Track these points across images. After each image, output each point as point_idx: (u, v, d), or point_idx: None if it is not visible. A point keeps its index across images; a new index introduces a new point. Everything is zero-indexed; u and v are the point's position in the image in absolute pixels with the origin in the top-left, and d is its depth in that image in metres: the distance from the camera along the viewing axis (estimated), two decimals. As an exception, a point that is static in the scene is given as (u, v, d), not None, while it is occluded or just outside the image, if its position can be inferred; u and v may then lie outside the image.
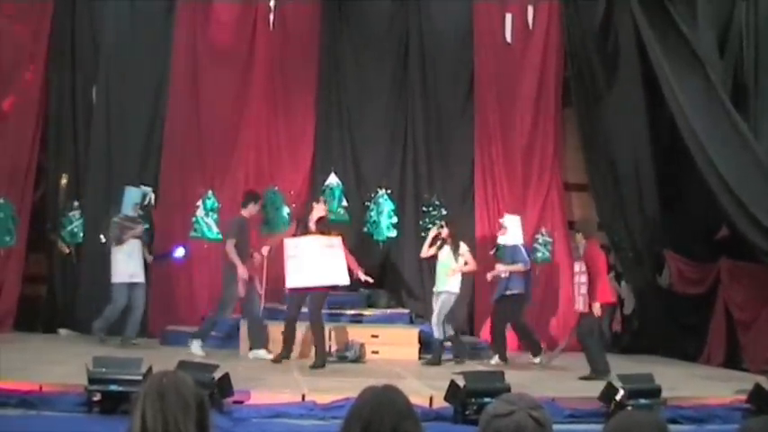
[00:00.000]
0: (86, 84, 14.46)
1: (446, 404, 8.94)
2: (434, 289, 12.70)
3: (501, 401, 3.01)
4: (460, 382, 8.84)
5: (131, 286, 12.80)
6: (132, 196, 13.14)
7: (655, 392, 9.26)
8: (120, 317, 12.82)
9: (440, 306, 12.44)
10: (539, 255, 14.91)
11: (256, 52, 14.73)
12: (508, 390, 8.44)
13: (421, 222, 14.44)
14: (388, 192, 14.89)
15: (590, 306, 11.54)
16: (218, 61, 14.62)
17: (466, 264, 12.58)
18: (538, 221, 14.99)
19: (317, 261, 11.77)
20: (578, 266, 11.95)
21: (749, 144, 12.25)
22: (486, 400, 8.34)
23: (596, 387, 9.35)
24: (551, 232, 15.00)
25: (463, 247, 12.60)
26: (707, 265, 13.95)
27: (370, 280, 12.70)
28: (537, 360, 12.63)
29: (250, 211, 12.49)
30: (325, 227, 12.09)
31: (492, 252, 13.23)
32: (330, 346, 12.51)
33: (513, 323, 12.92)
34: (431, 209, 14.62)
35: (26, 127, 14.14)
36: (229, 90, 14.66)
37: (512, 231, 12.98)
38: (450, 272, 12.46)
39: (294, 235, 12.11)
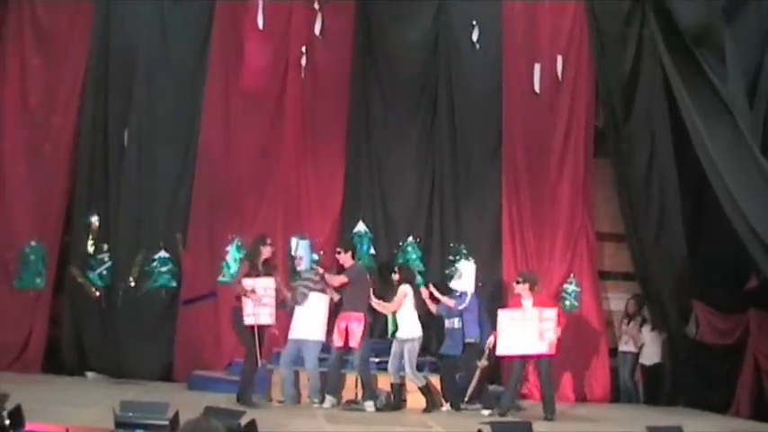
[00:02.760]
0: (118, 127, 14.58)
1: (472, 454, 8.87)
2: (398, 335, 12.62)
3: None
4: (487, 432, 8.77)
5: (300, 344, 12.44)
6: (308, 248, 12.96)
7: (684, 445, 9.15)
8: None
9: (408, 355, 12.39)
10: (567, 303, 14.83)
11: (287, 99, 14.81)
12: (536, 440, 8.39)
13: (447, 272, 14.39)
14: (417, 240, 14.89)
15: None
16: (249, 108, 14.71)
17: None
18: (567, 270, 14.92)
19: (272, 301, 11.96)
20: (538, 312, 12.16)
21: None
22: (514, 450, 8.30)
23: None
24: (580, 281, 14.91)
25: (401, 289, 12.64)
26: (735, 316, 13.83)
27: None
28: (487, 413, 12.25)
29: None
30: (270, 269, 12.22)
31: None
32: (356, 393, 12.51)
33: (468, 373, 12.79)
34: (457, 257, 14.58)
35: (58, 169, 14.33)
36: (260, 136, 14.76)
37: (465, 277, 12.98)
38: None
39: (248, 275, 12.11)
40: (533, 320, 12.13)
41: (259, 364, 11.99)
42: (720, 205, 12.74)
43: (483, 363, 12.66)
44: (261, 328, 11.95)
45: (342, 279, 12.50)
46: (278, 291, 12.13)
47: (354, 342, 12.23)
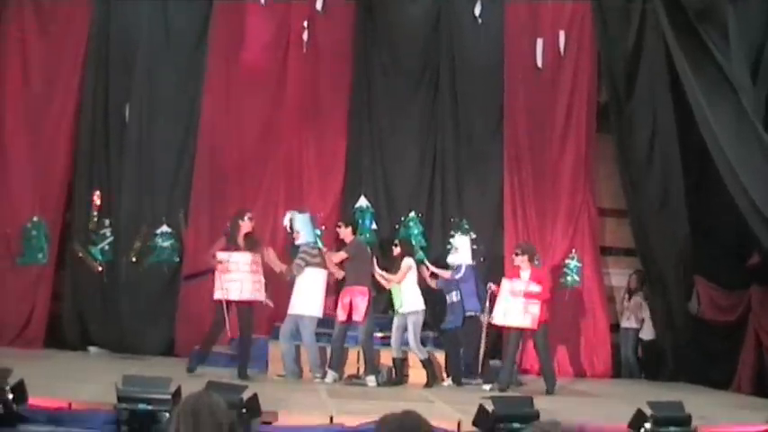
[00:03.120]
0: (120, 102, 14.56)
1: (474, 429, 8.88)
2: (400, 310, 12.60)
3: (535, 428, 3.01)
4: (489, 407, 8.78)
5: (297, 319, 12.43)
6: (307, 222, 12.82)
7: (685, 421, 9.16)
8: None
9: (413, 328, 12.41)
10: (568, 278, 14.88)
11: (289, 74, 14.80)
12: (537, 416, 8.41)
13: (448, 246, 14.43)
14: (419, 215, 14.90)
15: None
16: (251, 83, 14.68)
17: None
18: (568, 246, 14.94)
19: (243, 276, 11.94)
20: (525, 285, 12.26)
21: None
22: (515, 425, 8.32)
23: (626, 414, 9.27)
24: (581, 256, 14.92)
25: (405, 262, 12.65)
26: (737, 293, 13.85)
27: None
28: (488, 387, 12.27)
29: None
30: (251, 243, 12.18)
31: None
32: (358, 368, 12.56)
33: (470, 346, 12.84)
34: (459, 232, 14.58)
35: (59, 145, 14.32)
36: (261, 111, 14.74)
37: (461, 252, 13.00)
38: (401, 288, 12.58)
39: (225, 249, 12.14)
40: (520, 294, 12.26)
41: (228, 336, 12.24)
42: (722, 181, 12.72)
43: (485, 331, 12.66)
44: (235, 303, 11.95)
45: (341, 256, 12.51)
46: (265, 265, 12.19)
47: (358, 316, 12.25)
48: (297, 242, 12.64)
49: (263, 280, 12.10)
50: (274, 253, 12.58)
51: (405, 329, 12.51)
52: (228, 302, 11.90)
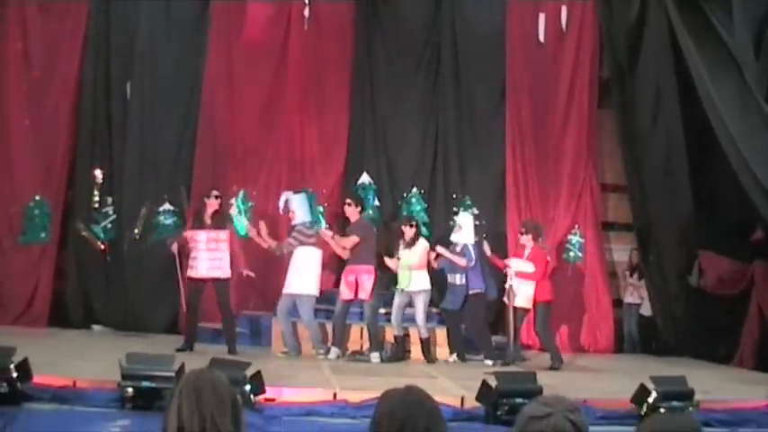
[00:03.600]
0: (121, 80, 14.51)
1: (477, 404, 8.91)
2: (406, 288, 12.58)
3: (538, 403, 3.01)
4: (492, 383, 8.81)
5: (295, 298, 12.46)
6: (304, 201, 12.91)
7: (688, 395, 9.19)
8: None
9: (421, 305, 12.46)
10: (571, 254, 14.90)
11: (290, 52, 14.77)
12: (540, 391, 8.43)
13: (451, 222, 14.44)
14: (421, 191, 14.89)
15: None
16: (252, 60, 14.66)
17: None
18: (571, 221, 14.94)
19: (206, 254, 12.07)
20: (509, 271, 12.48)
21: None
22: (518, 400, 8.34)
23: (629, 389, 9.30)
24: (584, 232, 14.92)
25: (423, 244, 12.72)
26: (741, 267, 13.86)
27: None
28: (490, 363, 12.30)
29: None
30: (219, 221, 12.28)
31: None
32: (362, 345, 12.59)
33: (473, 323, 12.86)
34: (462, 208, 14.58)
35: (61, 124, 14.28)
36: (263, 89, 14.70)
37: (465, 230, 12.98)
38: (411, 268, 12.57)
39: (192, 228, 12.35)
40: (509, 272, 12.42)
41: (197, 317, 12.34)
42: (725, 157, 12.70)
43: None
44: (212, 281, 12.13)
45: (353, 240, 12.49)
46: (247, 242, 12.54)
47: (365, 294, 12.29)
48: (293, 222, 12.65)
49: (224, 257, 12.15)
50: (265, 229, 12.64)
51: (405, 307, 12.53)
52: (200, 280, 12.12)
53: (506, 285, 12.43)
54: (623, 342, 15.01)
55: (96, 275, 14.29)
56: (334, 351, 12.29)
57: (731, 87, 12.59)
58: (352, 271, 12.43)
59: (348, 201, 13.08)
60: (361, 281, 12.32)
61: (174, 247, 12.50)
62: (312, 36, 14.77)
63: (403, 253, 12.62)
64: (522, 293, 12.33)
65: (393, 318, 12.65)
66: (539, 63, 15.10)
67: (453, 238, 13.04)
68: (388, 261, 12.72)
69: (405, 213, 14.31)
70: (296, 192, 13.09)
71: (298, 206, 12.69)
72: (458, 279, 12.71)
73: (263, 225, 12.65)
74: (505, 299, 12.48)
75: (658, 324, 14.83)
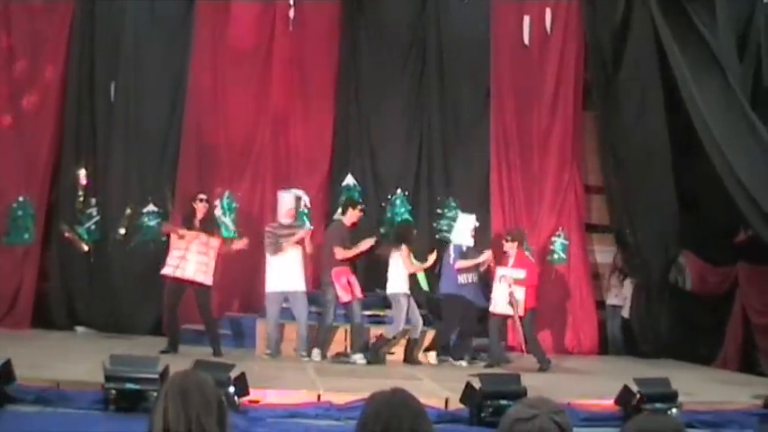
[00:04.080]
0: (105, 81, 14.45)
1: (462, 406, 8.93)
2: (403, 291, 12.65)
3: (523, 405, 3.01)
4: (476, 384, 8.83)
5: (289, 296, 12.47)
6: (285, 202, 12.81)
7: (671, 397, 9.23)
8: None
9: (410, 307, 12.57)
10: (555, 256, 14.90)
11: (275, 52, 14.75)
12: (524, 393, 8.45)
13: (435, 224, 14.42)
14: (405, 193, 14.89)
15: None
16: (237, 60, 14.63)
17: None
18: (555, 223, 14.96)
19: (195, 257, 12.00)
20: (510, 272, 12.36)
21: (767, 146, 12.19)
22: (503, 402, 8.35)
23: (612, 390, 9.33)
24: (568, 234, 14.94)
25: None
26: (725, 269, 13.91)
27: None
28: (464, 364, 12.49)
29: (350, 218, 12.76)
30: (208, 226, 12.26)
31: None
32: (346, 347, 12.58)
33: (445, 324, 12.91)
34: (445, 210, 14.60)
35: (44, 124, 14.21)
36: (248, 89, 14.68)
37: (460, 231, 13.03)
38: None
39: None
40: (503, 286, 12.38)
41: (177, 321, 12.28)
42: (709, 158, 12.74)
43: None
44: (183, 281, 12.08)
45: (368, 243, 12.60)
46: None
47: (360, 292, 12.41)
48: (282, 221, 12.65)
49: (211, 263, 12.10)
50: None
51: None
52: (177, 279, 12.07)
53: (507, 294, 12.36)
54: (607, 344, 15.02)
55: (80, 277, 14.23)
56: (317, 353, 12.30)
57: (715, 89, 12.66)
58: (341, 273, 12.42)
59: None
60: (352, 281, 12.37)
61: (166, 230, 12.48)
62: (297, 36, 14.74)
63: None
64: (514, 300, 12.29)
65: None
66: (523, 65, 15.13)
67: (453, 236, 13.07)
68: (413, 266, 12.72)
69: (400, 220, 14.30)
70: (287, 190, 13.09)
71: (282, 204, 12.74)
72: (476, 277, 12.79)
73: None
74: (509, 307, 12.38)
75: (641, 326, 14.84)
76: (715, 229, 14.18)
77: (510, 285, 12.28)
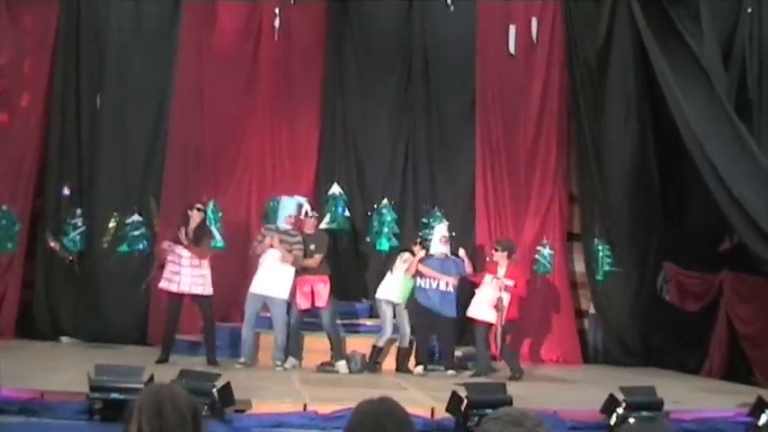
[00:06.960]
0: (90, 91, 14.40)
1: (448, 415, 8.91)
2: (386, 299, 12.69)
3: (505, 423, 2.99)
4: (462, 394, 8.81)
5: (267, 301, 12.38)
6: (287, 208, 12.72)
7: (657, 405, 9.23)
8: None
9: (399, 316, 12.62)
10: (541, 267, 14.88)
11: (260, 60, 14.75)
12: (510, 402, 8.45)
13: (420, 234, 14.42)
14: (392, 202, 14.88)
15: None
16: (222, 69, 14.62)
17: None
18: (539, 233, 14.94)
19: (189, 270, 12.00)
20: (498, 283, 12.31)
21: (754, 155, 12.20)
22: (488, 411, 8.29)
23: (598, 399, 9.32)
24: (553, 244, 14.94)
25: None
26: (708, 278, 13.91)
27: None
28: (450, 373, 12.46)
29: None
30: (199, 235, 12.21)
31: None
32: (331, 356, 12.55)
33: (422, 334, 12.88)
34: (431, 220, 14.60)
35: (29, 134, 14.13)
36: (233, 98, 14.66)
37: (434, 241, 13.09)
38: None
39: (172, 241, 12.20)
40: (494, 290, 12.33)
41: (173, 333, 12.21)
42: (694, 166, 12.77)
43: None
44: (181, 295, 12.09)
45: (317, 259, 12.43)
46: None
47: (321, 302, 12.31)
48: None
49: (207, 274, 12.09)
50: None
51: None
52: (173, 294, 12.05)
53: (495, 298, 12.34)
54: (588, 353, 15.01)
55: (65, 287, 14.15)
56: (291, 360, 12.32)
57: (700, 97, 12.70)
58: (306, 281, 12.40)
59: (312, 213, 13.07)
60: (317, 290, 12.33)
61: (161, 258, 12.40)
62: (283, 45, 14.75)
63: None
64: (501, 308, 12.28)
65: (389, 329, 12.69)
66: (509, 74, 15.15)
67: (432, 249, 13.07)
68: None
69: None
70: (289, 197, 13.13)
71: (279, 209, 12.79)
72: (442, 285, 12.70)
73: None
74: (493, 312, 12.35)
75: (624, 336, 14.84)
76: (700, 238, 14.20)
77: (501, 289, 12.25)
